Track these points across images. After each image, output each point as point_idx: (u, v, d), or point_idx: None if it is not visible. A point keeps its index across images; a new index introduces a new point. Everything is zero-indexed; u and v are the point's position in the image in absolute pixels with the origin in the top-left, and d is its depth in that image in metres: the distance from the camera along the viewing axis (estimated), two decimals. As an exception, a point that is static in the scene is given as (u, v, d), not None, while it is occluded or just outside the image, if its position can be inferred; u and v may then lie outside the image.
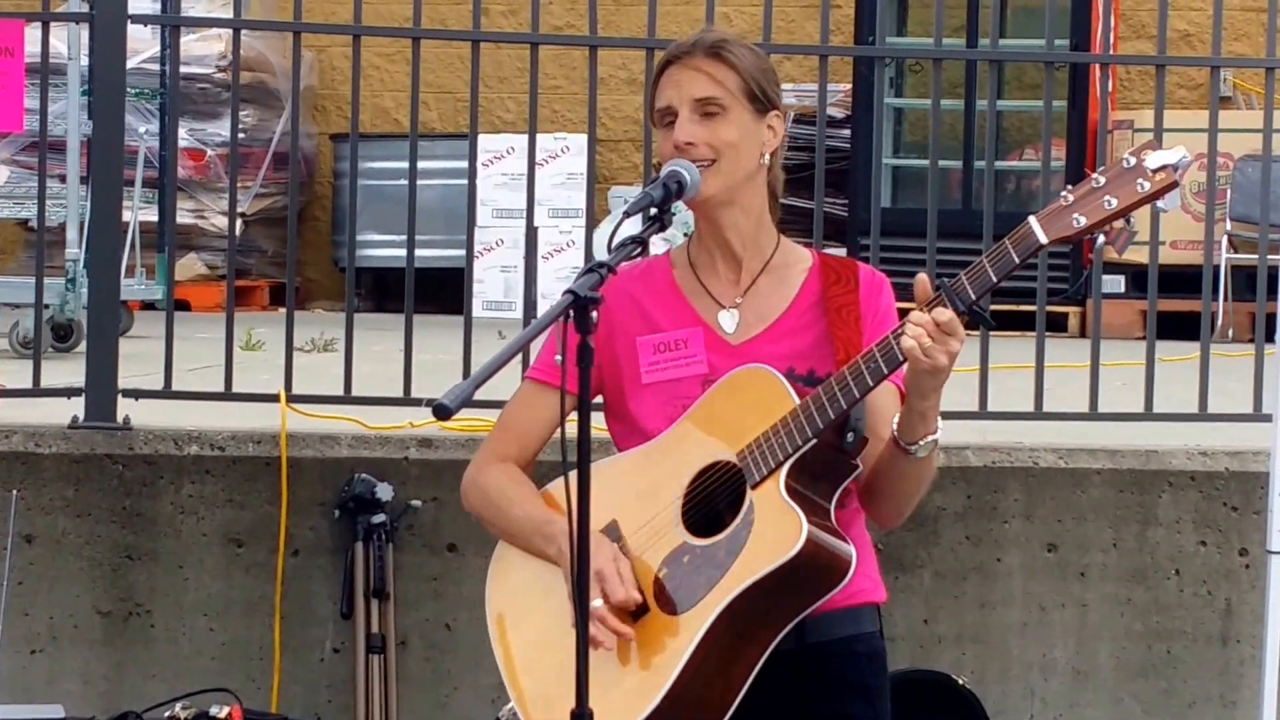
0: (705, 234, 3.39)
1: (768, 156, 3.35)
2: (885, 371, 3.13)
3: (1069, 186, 3.07)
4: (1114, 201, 3.02)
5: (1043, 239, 3.05)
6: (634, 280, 3.34)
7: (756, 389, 3.24)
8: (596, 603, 3.20)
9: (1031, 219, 3.07)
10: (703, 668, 3.17)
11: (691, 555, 3.23)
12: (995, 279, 3.07)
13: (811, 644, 3.28)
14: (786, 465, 3.18)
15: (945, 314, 3.08)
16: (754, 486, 3.20)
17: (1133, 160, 3.03)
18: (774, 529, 3.16)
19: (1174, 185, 3.02)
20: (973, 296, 3.08)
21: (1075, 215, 3.04)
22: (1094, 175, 3.05)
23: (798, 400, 3.19)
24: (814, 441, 3.18)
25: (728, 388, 3.28)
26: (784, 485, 3.17)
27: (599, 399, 3.39)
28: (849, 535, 3.30)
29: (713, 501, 3.26)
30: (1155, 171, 3.01)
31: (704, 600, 3.18)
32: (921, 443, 3.19)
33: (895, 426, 3.21)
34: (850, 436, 3.22)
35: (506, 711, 3.40)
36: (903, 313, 3.35)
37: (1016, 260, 3.07)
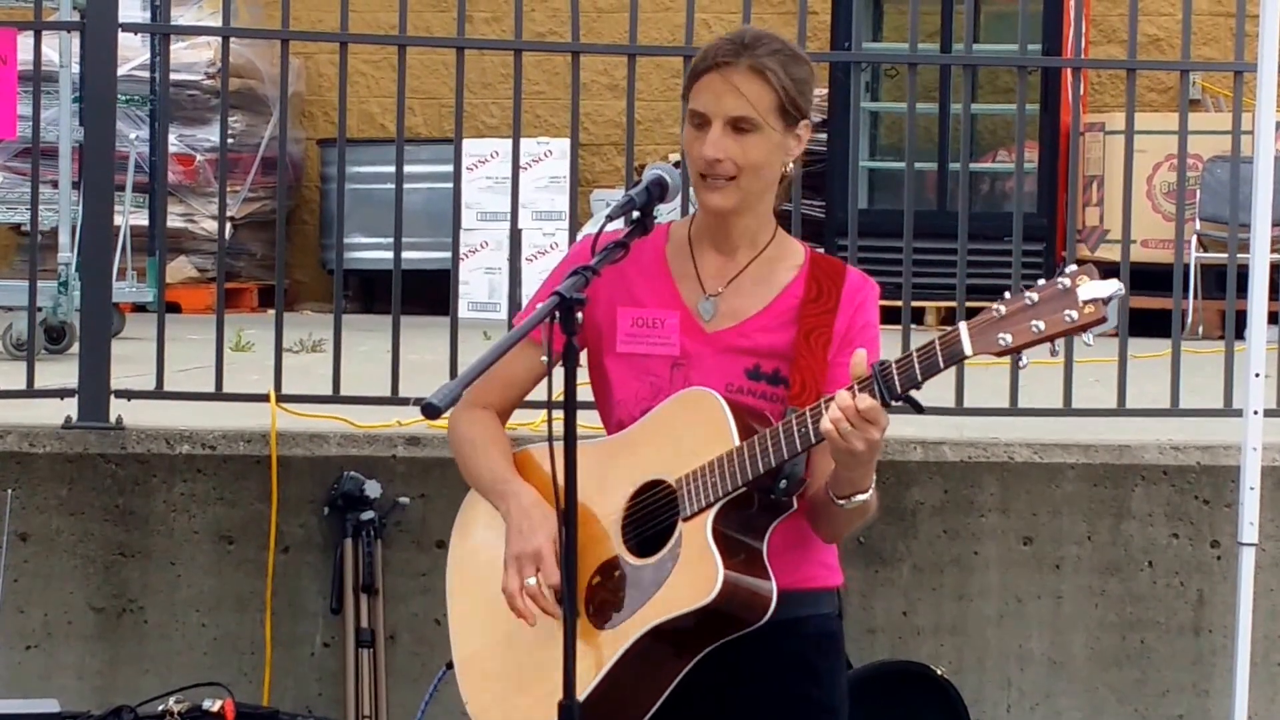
0: (707, 223, 3.43)
1: (791, 165, 3.38)
2: (813, 440, 3.18)
3: (1004, 297, 3.08)
4: (1041, 326, 3.03)
5: (968, 352, 3.07)
6: None
7: (704, 415, 3.28)
8: (531, 580, 3.29)
9: (962, 326, 3.09)
10: (618, 683, 3.26)
11: (622, 571, 3.31)
12: (920, 378, 3.10)
13: (761, 624, 3.30)
14: (714, 509, 3.23)
15: (867, 402, 3.10)
16: (685, 519, 3.26)
17: (1067, 284, 3.03)
18: (693, 571, 3.22)
19: (1101, 320, 3.01)
20: (899, 390, 3.11)
21: (1002, 334, 3.05)
22: (1029, 292, 3.06)
23: (736, 439, 3.23)
24: (743, 489, 3.23)
25: (680, 405, 3.33)
26: (710, 528, 3.22)
27: (581, 352, 3.42)
28: (804, 523, 3.35)
29: (651, 519, 3.32)
30: (1085, 304, 3.01)
31: (625, 623, 3.26)
32: (851, 499, 3.23)
33: (829, 475, 3.24)
34: (783, 483, 3.26)
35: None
36: (884, 312, 3.44)
37: (941, 367, 3.09)
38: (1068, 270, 3.05)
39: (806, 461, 3.29)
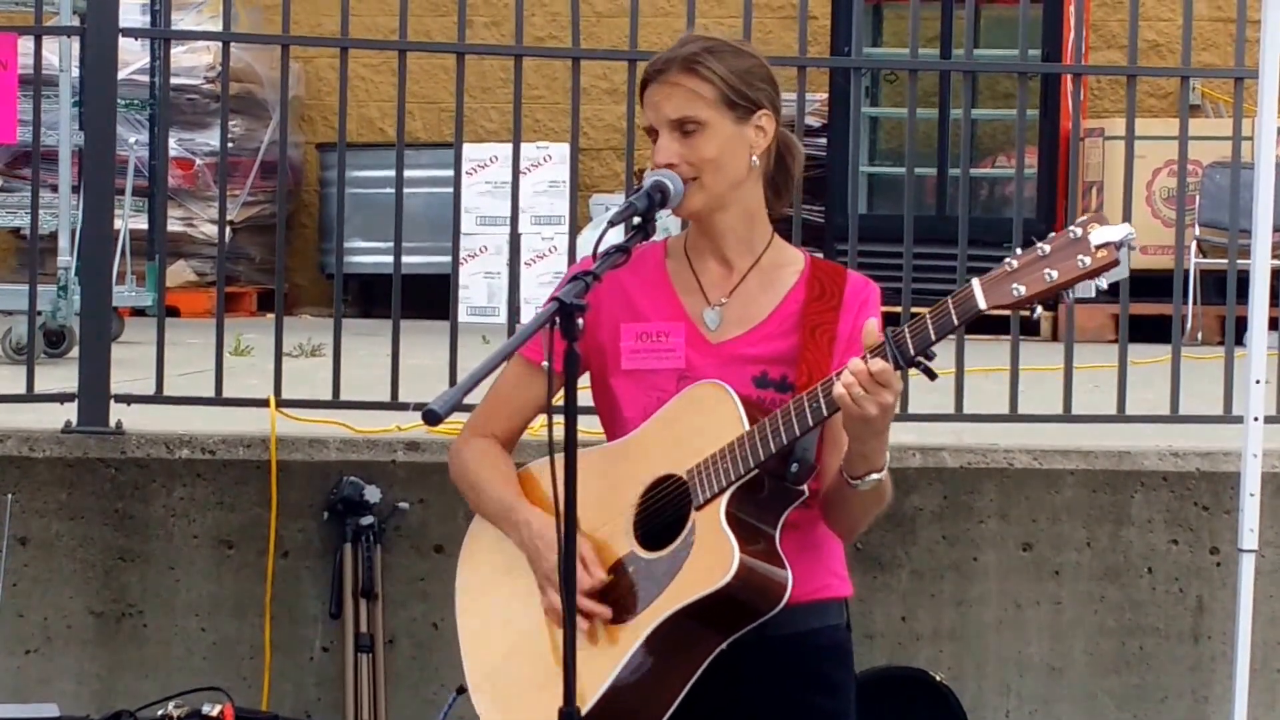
0: (698, 232, 3.43)
1: (756, 158, 3.37)
2: (825, 413, 3.17)
3: (1018, 251, 3.06)
4: (1054, 275, 3.01)
5: (982, 305, 3.06)
6: (625, 267, 3.33)
7: (713, 407, 3.28)
8: None
9: (975, 282, 3.07)
10: (635, 678, 3.24)
11: (636, 567, 3.29)
12: (935, 338, 3.09)
13: (772, 636, 3.30)
14: (727, 493, 3.23)
15: (879, 364, 3.09)
16: (698, 508, 3.25)
17: (1079, 232, 3.02)
18: (709, 555, 3.21)
19: (1114, 264, 2.99)
20: (912, 353, 3.10)
21: (1015, 285, 3.04)
22: (1040, 243, 3.04)
23: (747, 426, 3.23)
24: (756, 471, 3.23)
25: (687, 401, 3.32)
26: (724, 512, 3.22)
27: (584, 375, 3.42)
28: (815, 532, 3.37)
29: (663, 514, 3.31)
30: (1098, 248, 2.99)
31: (639, 616, 3.25)
32: (865, 479, 3.22)
33: (843, 458, 3.24)
34: (795, 467, 3.26)
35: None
36: (884, 317, 3.44)
37: (955, 322, 3.08)
38: (1078, 220, 3.05)
39: (817, 453, 3.29)
